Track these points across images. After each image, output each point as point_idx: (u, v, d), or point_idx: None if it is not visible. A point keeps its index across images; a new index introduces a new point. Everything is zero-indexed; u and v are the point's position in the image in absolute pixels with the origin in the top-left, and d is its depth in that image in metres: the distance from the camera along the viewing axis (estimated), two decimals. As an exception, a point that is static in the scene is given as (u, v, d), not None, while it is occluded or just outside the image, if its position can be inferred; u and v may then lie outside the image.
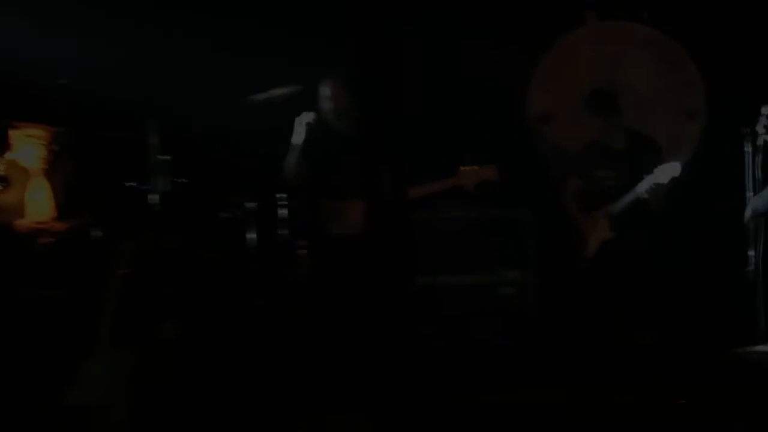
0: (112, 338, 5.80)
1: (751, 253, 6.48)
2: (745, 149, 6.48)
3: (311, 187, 6.91)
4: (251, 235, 7.43)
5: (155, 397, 5.96)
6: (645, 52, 8.06)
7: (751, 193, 6.46)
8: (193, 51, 7.90)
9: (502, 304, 7.38)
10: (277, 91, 7.22)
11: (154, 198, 6.97)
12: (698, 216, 7.36)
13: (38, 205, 6.65)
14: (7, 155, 6.49)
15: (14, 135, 6.69)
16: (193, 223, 7.59)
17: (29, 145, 6.67)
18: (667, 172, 6.52)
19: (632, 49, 8.07)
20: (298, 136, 6.82)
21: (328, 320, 6.67)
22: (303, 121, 6.81)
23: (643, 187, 6.61)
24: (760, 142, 6.40)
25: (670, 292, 6.83)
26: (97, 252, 6.49)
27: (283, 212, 7.30)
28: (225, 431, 5.80)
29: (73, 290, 6.30)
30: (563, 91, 8.10)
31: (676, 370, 6.55)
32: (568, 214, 7.13)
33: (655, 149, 6.98)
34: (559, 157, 7.81)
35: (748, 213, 6.44)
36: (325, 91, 6.94)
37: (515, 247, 7.41)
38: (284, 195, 7.30)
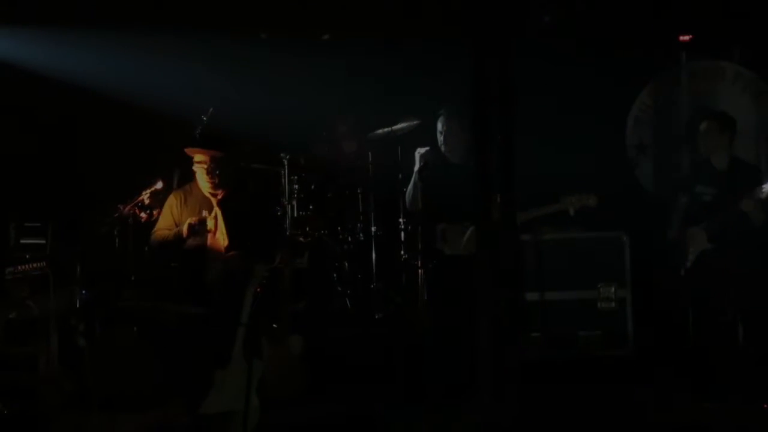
0: (247, 350, 6.11)
1: None
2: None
3: (428, 212, 7.13)
4: (374, 256, 7.94)
5: (285, 404, 6.37)
6: (734, 87, 8.48)
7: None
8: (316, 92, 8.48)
9: (601, 317, 7.70)
10: (398, 126, 7.73)
11: (284, 223, 7.56)
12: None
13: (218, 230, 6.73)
14: (158, 185, 6.75)
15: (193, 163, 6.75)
16: (319, 246, 7.98)
17: (201, 174, 6.67)
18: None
19: (723, 84, 8.48)
20: (417, 166, 7.10)
21: (442, 332, 6.91)
22: (421, 152, 7.10)
23: (743, 205, 6.93)
24: None
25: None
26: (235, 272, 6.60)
27: (403, 235, 7.71)
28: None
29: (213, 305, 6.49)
30: (659, 123, 8.57)
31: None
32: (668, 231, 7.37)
33: (755, 171, 7.35)
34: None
35: None
36: (440, 125, 7.23)
37: (613, 266, 7.72)
38: (404, 220, 7.73)
